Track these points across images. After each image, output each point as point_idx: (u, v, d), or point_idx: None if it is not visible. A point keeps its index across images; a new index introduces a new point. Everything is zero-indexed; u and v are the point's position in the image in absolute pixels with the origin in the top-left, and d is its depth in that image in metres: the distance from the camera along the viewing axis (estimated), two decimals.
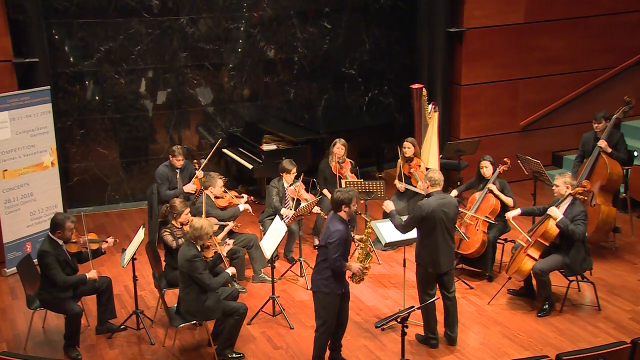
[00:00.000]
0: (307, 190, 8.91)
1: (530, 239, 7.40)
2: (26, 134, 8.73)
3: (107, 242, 7.31)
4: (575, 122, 11.08)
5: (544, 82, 11.15)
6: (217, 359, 6.74)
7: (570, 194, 7.33)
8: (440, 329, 6.95)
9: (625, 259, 8.61)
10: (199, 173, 9.06)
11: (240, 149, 10.79)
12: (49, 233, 6.92)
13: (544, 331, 7.14)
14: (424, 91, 9.47)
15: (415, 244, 6.85)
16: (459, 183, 9.49)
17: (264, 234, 7.74)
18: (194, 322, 6.89)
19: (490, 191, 8.08)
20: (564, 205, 7.36)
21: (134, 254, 7.10)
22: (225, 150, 10.91)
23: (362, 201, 8.62)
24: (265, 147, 10.26)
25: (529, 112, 11.16)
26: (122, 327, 7.32)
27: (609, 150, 8.51)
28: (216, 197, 8.35)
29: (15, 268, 7.65)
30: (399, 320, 5.72)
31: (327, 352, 6.59)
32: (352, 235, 6.77)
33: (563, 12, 10.97)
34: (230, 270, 6.83)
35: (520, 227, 7.66)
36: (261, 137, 10.48)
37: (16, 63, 8.92)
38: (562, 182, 7.37)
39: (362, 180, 8.89)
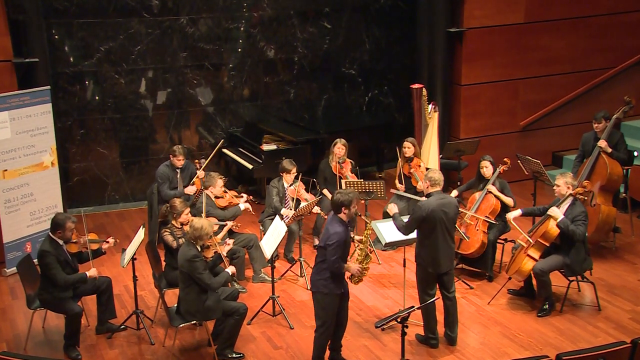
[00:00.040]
0: (307, 190, 8.91)
1: (530, 240, 7.39)
2: (26, 134, 8.73)
3: (107, 242, 7.31)
4: (575, 122, 11.07)
5: (544, 82, 11.15)
6: (217, 359, 6.74)
7: (570, 194, 7.33)
8: (440, 329, 6.94)
9: (625, 259, 8.61)
10: (200, 173, 9.05)
11: (240, 149, 10.79)
12: (50, 233, 6.92)
13: (544, 331, 7.13)
14: (424, 91, 9.46)
15: (415, 244, 6.84)
16: (459, 183, 9.48)
17: (264, 234, 7.74)
18: (194, 322, 6.89)
19: (490, 192, 8.08)
20: (565, 205, 7.35)
21: (134, 254, 7.10)
22: (225, 150, 10.90)
23: (362, 201, 8.62)
24: (265, 147, 10.25)
25: (529, 112, 11.15)
26: (122, 327, 7.32)
27: (609, 150, 8.50)
28: (216, 197, 8.35)
29: (15, 268, 7.65)
30: (399, 320, 5.72)
31: (327, 352, 6.59)
32: (352, 236, 6.77)
33: (563, 12, 10.97)
34: (230, 269, 6.83)
35: (520, 228, 7.66)
36: (261, 137, 10.48)
37: (16, 63, 8.92)
38: (564, 182, 7.36)
39: (362, 180, 8.88)
